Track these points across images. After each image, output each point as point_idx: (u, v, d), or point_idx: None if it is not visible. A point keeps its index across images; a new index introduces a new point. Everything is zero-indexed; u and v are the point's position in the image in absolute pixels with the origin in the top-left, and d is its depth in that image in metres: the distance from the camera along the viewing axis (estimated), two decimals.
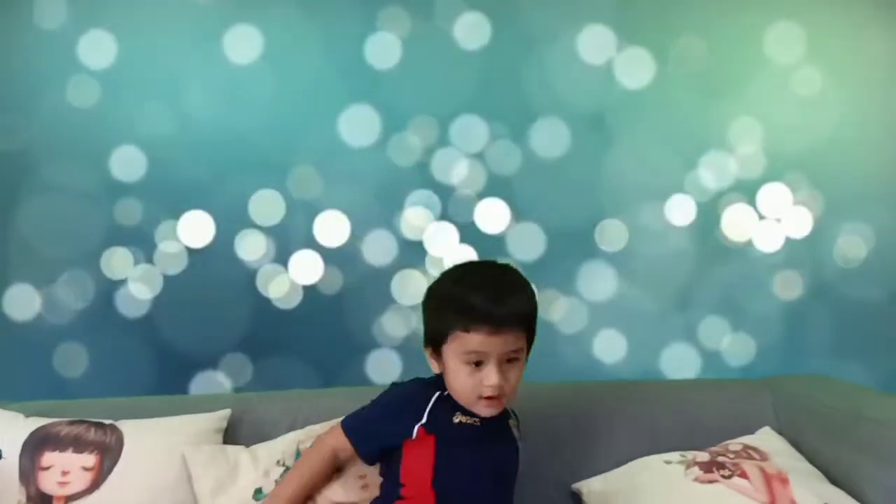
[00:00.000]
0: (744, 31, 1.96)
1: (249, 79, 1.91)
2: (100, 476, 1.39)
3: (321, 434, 1.39)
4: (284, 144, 1.91)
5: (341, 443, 1.35)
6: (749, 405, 1.62)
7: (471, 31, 1.93)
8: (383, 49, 1.92)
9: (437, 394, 1.31)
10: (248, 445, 1.49)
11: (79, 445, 1.42)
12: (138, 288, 1.86)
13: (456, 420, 1.29)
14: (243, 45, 1.91)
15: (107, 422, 1.47)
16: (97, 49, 1.89)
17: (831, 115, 1.95)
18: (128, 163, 1.88)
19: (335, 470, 1.37)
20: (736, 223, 1.94)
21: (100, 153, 1.89)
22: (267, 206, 1.90)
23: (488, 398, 1.27)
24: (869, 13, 1.97)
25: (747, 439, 1.52)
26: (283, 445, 1.46)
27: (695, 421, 1.60)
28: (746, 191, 1.95)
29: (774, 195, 1.95)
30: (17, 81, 1.91)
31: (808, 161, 1.95)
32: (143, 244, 1.87)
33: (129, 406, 1.57)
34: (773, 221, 1.95)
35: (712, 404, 1.63)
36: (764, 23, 1.96)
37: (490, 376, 1.25)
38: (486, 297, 1.25)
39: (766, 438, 1.53)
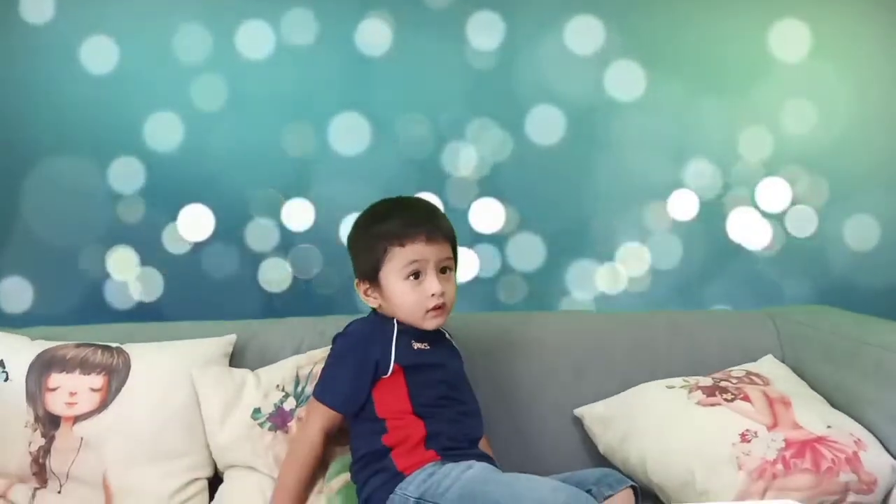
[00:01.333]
0: (747, 27, 1.93)
1: (249, 78, 1.87)
2: (108, 397, 1.40)
3: (303, 419, 1.37)
4: (278, 145, 1.89)
5: (326, 416, 1.33)
6: (752, 334, 1.64)
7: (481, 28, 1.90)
8: (376, 41, 1.89)
9: (397, 322, 1.34)
10: (253, 370, 1.50)
11: (85, 367, 1.42)
12: (137, 284, 1.86)
13: (415, 347, 1.33)
14: (251, 41, 1.88)
15: (113, 345, 1.47)
16: (98, 52, 1.86)
17: (838, 110, 1.93)
18: (130, 163, 1.86)
19: (328, 444, 1.35)
20: (740, 220, 1.93)
21: (101, 152, 1.86)
22: (267, 202, 1.89)
23: (433, 309, 1.32)
24: (871, 7, 1.94)
25: (750, 366, 1.53)
26: (283, 369, 1.47)
27: (697, 350, 1.61)
28: (750, 187, 1.93)
29: (779, 190, 1.94)
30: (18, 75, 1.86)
31: (814, 156, 1.93)
32: (145, 241, 1.86)
33: (135, 331, 1.57)
34: (778, 217, 1.94)
35: (715, 334, 1.64)
36: (767, 20, 1.93)
37: (433, 284, 1.31)
38: (413, 215, 1.34)
39: (768, 366, 1.55)
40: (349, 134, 1.89)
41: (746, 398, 1.39)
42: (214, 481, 1.43)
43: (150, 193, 1.87)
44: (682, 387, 1.46)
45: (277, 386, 1.44)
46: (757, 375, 1.48)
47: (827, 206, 1.93)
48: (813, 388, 1.49)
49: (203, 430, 1.42)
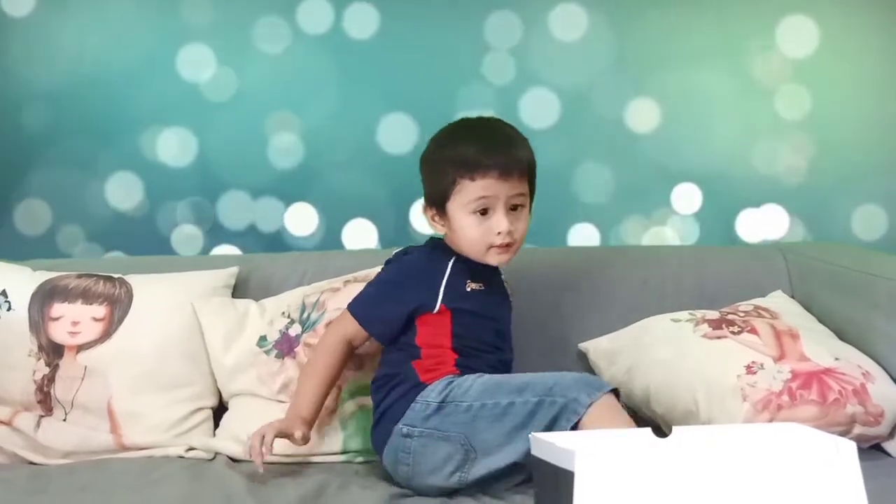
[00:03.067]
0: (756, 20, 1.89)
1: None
2: (111, 326, 1.40)
3: (330, 323, 1.35)
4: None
5: (353, 328, 1.30)
6: (761, 269, 1.61)
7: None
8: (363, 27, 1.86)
9: (451, 263, 1.30)
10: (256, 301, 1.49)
11: (88, 297, 1.42)
12: None
13: (468, 288, 1.29)
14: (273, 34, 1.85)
15: (115, 275, 1.47)
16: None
17: (848, 101, 1.90)
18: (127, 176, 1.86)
19: (349, 358, 1.33)
20: (747, 211, 1.91)
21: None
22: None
23: (499, 246, 1.27)
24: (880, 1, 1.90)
25: (759, 301, 1.51)
26: (289, 299, 1.46)
27: (706, 284, 1.58)
28: (756, 177, 1.90)
29: (786, 180, 1.91)
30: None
31: (823, 146, 1.90)
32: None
33: (137, 263, 1.57)
34: (786, 206, 1.92)
35: (724, 269, 1.61)
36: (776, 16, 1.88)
37: (500, 222, 1.25)
38: (488, 144, 1.26)
39: (777, 301, 1.52)
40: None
41: (754, 331, 1.37)
42: (220, 412, 1.44)
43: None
44: (688, 320, 1.44)
45: (283, 313, 1.43)
46: (765, 309, 1.46)
47: (835, 196, 1.90)
48: (822, 321, 1.46)
49: (207, 360, 1.42)
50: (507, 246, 1.27)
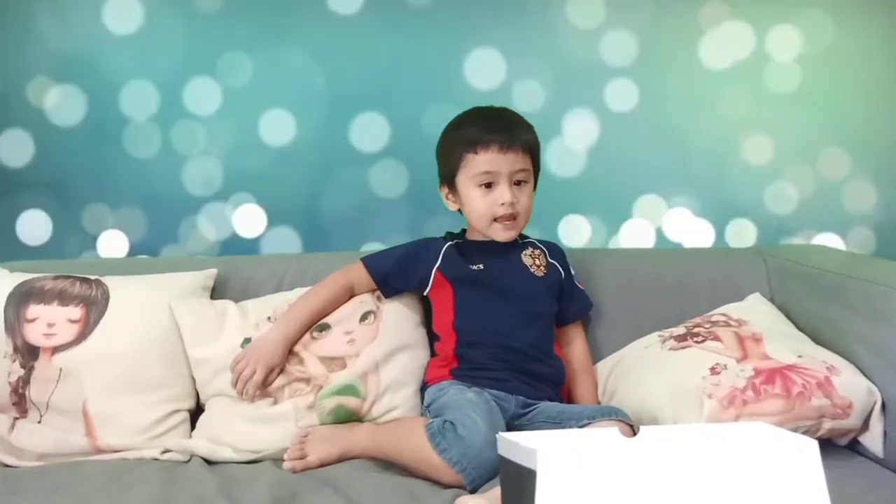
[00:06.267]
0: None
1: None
2: (86, 328, 1.40)
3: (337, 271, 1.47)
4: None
5: (359, 275, 1.45)
6: (741, 272, 1.62)
7: None
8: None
9: (448, 243, 1.46)
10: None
11: (64, 299, 1.41)
12: None
13: (473, 267, 1.42)
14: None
15: (92, 277, 1.46)
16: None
17: (861, 91, 1.91)
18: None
19: (346, 300, 1.44)
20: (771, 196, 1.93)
21: None
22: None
23: (503, 219, 1.40)
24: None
25: (731, 307, 1.52)
26: (274, 302, 1.46)
27: (685, 289, 1.60)
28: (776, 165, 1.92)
29: (801, 168, 1.92)
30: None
31: (837, 134, 1.91)
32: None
33: (114, 264, 1.56)
34: (802, 192, 1.93)
35: (704, 272, 1.62)
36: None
37: (502, 194, 1.38)
38: (491, 124, 1.41)
39: (752, 304, 1.54)
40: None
41: (717, 338, 1.38)
42: (197, 414, 1.43)
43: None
44: (656, 342, 1.45)
45: (269, 317, 1.44)
46: (733, 318, 1.46)
47: (848, 182, 1.92)
48: (800, 324, 1.47)
49: (185, 362, 1.42)
50: (512, 219, 1.39)
